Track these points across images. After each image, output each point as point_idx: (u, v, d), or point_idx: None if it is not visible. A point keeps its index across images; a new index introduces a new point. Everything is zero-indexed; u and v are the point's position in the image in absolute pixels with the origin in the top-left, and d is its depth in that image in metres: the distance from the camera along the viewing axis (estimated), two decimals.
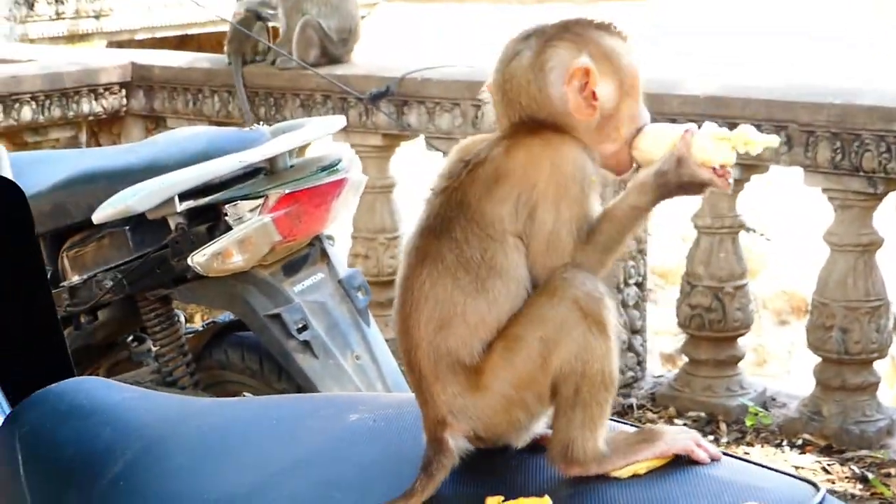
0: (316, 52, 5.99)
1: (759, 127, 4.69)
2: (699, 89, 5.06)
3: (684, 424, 5.11)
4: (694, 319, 5.19)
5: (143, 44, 10.00)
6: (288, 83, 6.09)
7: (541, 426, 1.40)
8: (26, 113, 6.12)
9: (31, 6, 10.00)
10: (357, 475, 1.33)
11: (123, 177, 3.34)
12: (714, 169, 1.43)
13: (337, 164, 3.30)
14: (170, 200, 3.20)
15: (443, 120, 5.68)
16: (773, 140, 1.47)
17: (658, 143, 1.46)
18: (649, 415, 5.27)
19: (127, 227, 3.41)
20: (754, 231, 9.35)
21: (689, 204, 5.31)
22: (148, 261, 3.41)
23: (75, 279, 3.47)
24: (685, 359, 5.40)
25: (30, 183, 3.56)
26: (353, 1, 6.15)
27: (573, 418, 1.33)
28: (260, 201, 3.24)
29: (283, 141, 3.32)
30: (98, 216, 3.28)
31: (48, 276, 3.54)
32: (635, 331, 5.52)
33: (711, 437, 5.03)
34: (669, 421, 5.19)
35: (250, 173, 3.34)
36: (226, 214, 3.30)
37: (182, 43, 9.62)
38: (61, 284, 3.51)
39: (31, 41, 9.50)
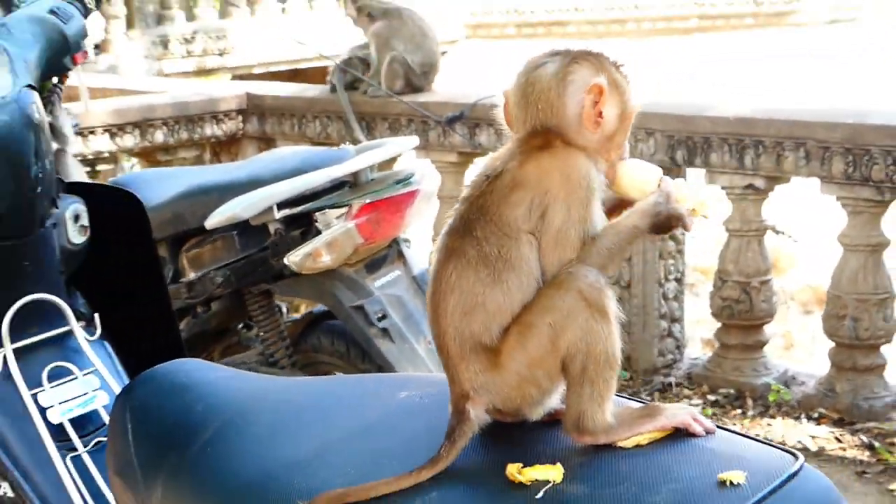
0: (401, 82, 6.02)
1: (780, 144, 4.72)
2: (730, 112, 5.01)
3: (716, 401, 5.10)
4: (725, 310, 5.14)
5: (260, 77, 10.10)
6: (377, 109, 6.12)
7: (555, 401, 1.40)
8: (158, 136, 6.20)
9: (165, 46, 10.14)
10: (402, 445, 1.33)
11: (231, 189, 3.38)
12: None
13: (410, 178, 3.31)
14: (269, 209, 3.24)
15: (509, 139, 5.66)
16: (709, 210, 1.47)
17: (636, 175, 1.47)
18: (686, 391, 5.23)
19: (234, 232, 3.45)
20: (783, 233, 9.25)
21: (723, 211, 5.27)
22: (251, 260, 3.45)
23: (192, 276, 3.51)
24: (718, 343, 5.34)
25: (154, 195, 3.62)
26: (434, 39, 6.16)
27: (582, 393, 1.33)
28: (345, 209, 3.27)
29: (364, 158, 3.34)
30: (210, 222, 3.33)
31: (170, 274, 3.60)
32: (674, 319, 5.47)
33: (739, 411, 5.00)
34: (703, 397, 5.16)
35: (337, 186, 3.36)
36: (316, 221, 3.34)
37: (293, 76, 9.69)
38: (181, 280, 3.55)
39: (166, 75, 9.64)
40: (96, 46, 8.51)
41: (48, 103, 2.62)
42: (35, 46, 2.30)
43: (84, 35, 2.45)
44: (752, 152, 4.89)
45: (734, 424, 4.87)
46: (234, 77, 10.38)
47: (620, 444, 1.30)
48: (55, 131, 3.35)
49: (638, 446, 1.28)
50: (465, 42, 12.13)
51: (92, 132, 6.00)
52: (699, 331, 6.91)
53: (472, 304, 1.34)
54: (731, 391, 5.15)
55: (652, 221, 1.40)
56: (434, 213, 3.72)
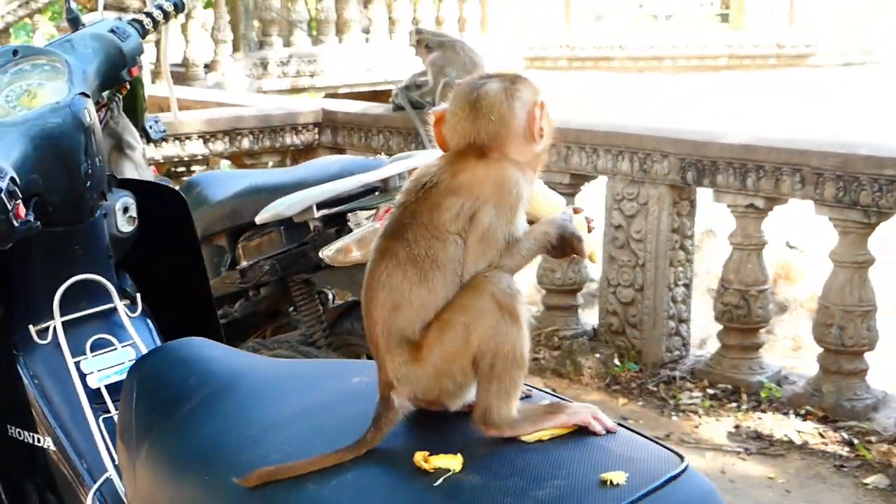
0: None
1: (779, 168, 4.57)
2: (735, 139, 4.87)
3: (714, 394, 4.94)
4: (725, 314, 5.00)
5: (345, 96, 10.10)
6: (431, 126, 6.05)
7: (473, 394, 1.31)
8: (245, 143, 6.20)
9: (265, 67, 10.17)
10: (339, 426, 1.25)
11: (280, 190, 3.34)
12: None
13: None
14: (310, 208, 3.19)
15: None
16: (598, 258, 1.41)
17: (548, 196, 1.40)
18: (688, 384, 5.09)
19: (282, 227, 3.41)
20: (795, 248, 9.04)
21: (728, 226, 5.14)
22: (294, 253, 3.39)
23: (245, 264, 3.48)
24: (719, 343, 5.20)
25: (218, 192, 3.60)
26: (482, 68, 6.08)
27: (490, 389, 1.24)
28: (373, 211, 3.21)
29: (393, 167, 3.27)
30: (259, 218, 3.28)
31: (228, 261, 3.57)
32: (682, 320, 5.33)
33: (734, 405, 4.85)
34: (703, 390, 5.02)
35: (370, 190, 3.30)
36: (348, 221, 3.29)
37: (372, 97, 9.66)
38: (237, 268, 3.51)
39: (264, 93, 9.65)
40: (206, 66, 8.53)
41: (107, 110, 2.59)
42: (94, 60, 2.27)
43: (140, 51, 2.40)
44: (754, 175, 4.74)
45: (729, 417, 4.73)
46: (325, 96, 10.39)
47: (523, 438, 1.20)
48: (116, 135, 3.34)
49: (539, 441, 1.18)
50: (523, 73, 12.00)
51: (188, 138, 6.02)
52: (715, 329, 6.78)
53: (399, 300, 1.27)
54: (729, 387, 5.00)
55: (559, 233, 1.31)
56: None
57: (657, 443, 1.18)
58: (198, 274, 2.60)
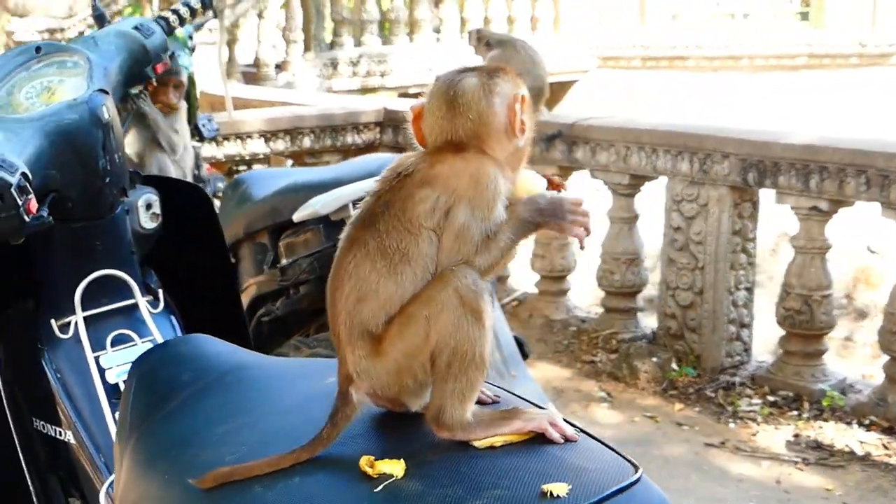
0: None
1: (843, 170, 4.43)
2: (798, 139, 4.73)
3: (774, 401, 4.80)
4: (787, 319, 4.86)
5: (415, 96, 10.07)
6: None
7: None
8: (306, 142, 6.22)
9: (335, 67, 10.22)
10: (301, 426, 1.21)
11: (318, 188, 3.31)
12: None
13: None
14: (346, 206, 3.15)
15: (602, 156, 5.49)
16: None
17: (530, 179, 1.32)
18: (748, 391, 4.95)
19: (320, 225, 3.38)
20: (876, 252, 8.79)
21: (790, 229, 5.00)
22: (332, 251, 3.37)
23: (285, 262, 3.46)
24: (782, 349, 5.05)
25: (260, 190, 3.60)
26: (543, 67, 6.00)
27: (445, 388, 1.18)
28: None
29: None
30: (296, 216, 3.26)
31: (270, 259, 3.57)
32: (743, 325, 5.20)
33: (795, 413, 4.71)
34: (764, 397, 4.88)
35: None
36: None
37: None
38: (277, 265, 3.51)
39: (334, 93, 9.69)
40: (277, 66, 8.57)
41: (132, 106, 2.60)
42: (117, 57, 2.28)
43: (164, 49, 2.40)
44: (818, 177, 4.60)
45: (788, 425, 4.59)
46: (397, 96, 10.39)
47: (475, 443, 1.14)
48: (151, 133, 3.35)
49: (491, 447, 1.12)
50: (596, 72, 11.89)
51: (249, 136, 6.06)
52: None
53: (365, 291, 1.22)
54: (790, 394, 4.86)
55: (537, 208, 1.24)
56: None
57: (616, 452, 1.12)
58: (224, 272, 2.60)
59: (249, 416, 1.30)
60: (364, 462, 1.08)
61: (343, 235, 1.29)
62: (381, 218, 1.24)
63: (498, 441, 1.13)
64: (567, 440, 1.14)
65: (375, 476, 1.07)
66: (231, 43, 9.76)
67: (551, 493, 1.00)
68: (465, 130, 1.29)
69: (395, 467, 1.07)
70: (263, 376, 1.49)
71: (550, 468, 1.06)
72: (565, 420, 1.19)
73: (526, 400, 1.26)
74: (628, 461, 1.10)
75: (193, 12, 2.53)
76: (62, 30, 11.54)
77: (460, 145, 1.27)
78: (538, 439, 1.13)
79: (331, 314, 1.27)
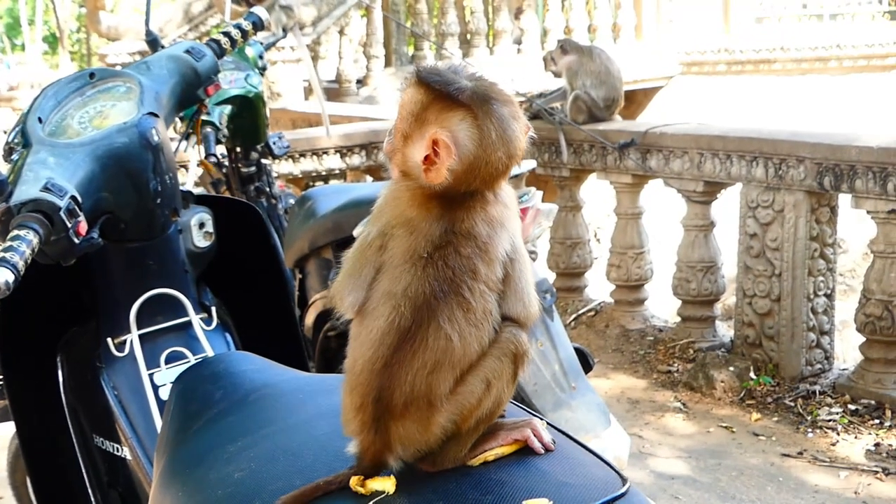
0: (584, 116, 5.88)
1: None
2: (874, 142, 4.60)
3: (855, 410, 4.67)
4: (868, 325, 4.72)
5: None
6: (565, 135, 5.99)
7: None
8: (381, 157, 6.26)
9: None
10: (305, 444, 1.22)
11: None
12: None
13: (523, 196, 3.16)
14: None
15: (675, 164, 5.42)
16: None
17: None
18: (828, 400, 4.83)
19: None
20: None
21: (868, 234, 4.86)
22: None
23: None
24: (863, 356, 4.90)
25: (324, 206, 3.64)
26: (618, 77, 5.96)
27: (461, 443, 1.14)
28: None
29: None
30: (355, 232, 3.29)
31: (334, 275, 3.60)
32: (823, 332, 5.07)
33: (877, 421, 4.57)
34: (844, 406, 4.74)
35: None
36: None
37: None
38: None
39: None
40: (358, 81, 8.66)
41: (188, 130, 2.66)
42: (169, 80, 2.33)
43: (216, 71, 2.45)
44: None
45: (869, 434, 4.46)
46: None
47: (469, 462, 1.13)
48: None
49: (485, 463, 1.12)
50: (679, 78, 11.73)
51: (325, 152, 6.13)
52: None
53: (439, 362, 1.11)
54: (872, 402, 4.72)
55: None
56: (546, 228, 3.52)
57: (609, 465, 1.10)
58: (279, 289, 2.64)
59: (259, 434, 1.32)
60: (354, 482, 1.09)
61: (398, 306, 1.14)
62: (459, 281, 1.13)
63: (490, 456, 1.13)
64: (547, 449, 1.12)
65: (367, 494, 1.07)
66: (313, 60, 9.90)
67: None
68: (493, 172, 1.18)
69: (386, 484, 1.08)
70: (283, 393, 1.51)
71: (534, 483, 1.05)
72: (553, 427, 1.17)
73: (513, 402, 1.24)
74: (618, 474, 1.08)
75: (245, 34, 2.57)
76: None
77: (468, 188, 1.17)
78: (529, 451, 1.12)
79: (377, 383, 1.13)
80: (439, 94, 1.14)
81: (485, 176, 1.16)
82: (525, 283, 1.18)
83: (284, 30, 4.40)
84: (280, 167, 5.83)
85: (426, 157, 1.14)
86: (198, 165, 4.23)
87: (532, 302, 1.18)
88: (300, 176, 6.08)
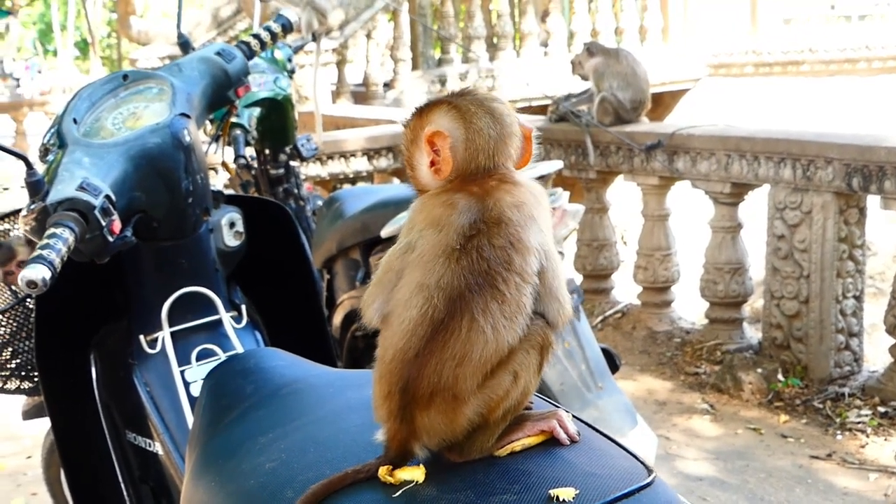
0: (610, 118, 5.88)
1: None
2: None
3: (885, 412, 4.64)
4: None
5: (522, 110, 10.08)
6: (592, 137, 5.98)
7: None
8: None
9: (443, 83, 10.30)
10: (335, 435, 1.24)
11: (404, 204, 3.35)
12: None
13: (549, 197, 3.17)
14: None
15: (702, 165, 5.41)
16: None
17: None
18: (857, 402, 4.80)
19: None
20: None
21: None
22: None
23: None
24: (892, 358, 4.88)
25: (351, 207, 3.67)
26: (645, 79, 5.95)
27: (487, 431, 1.15)
28: None
29: None
30: (384, 232, 3.32)
31: (362, 274, 3.63)
32: (852, 334, 5.05)
33: None
34: (874, 408, 4.72)
35: None
36: None
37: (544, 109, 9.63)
38: (368, 280, 3.56)
39: None
40: (385, 84, 8.71)
41: (218, 132, 2.70)
42: (200, 82, 2.36)
43: (246, 72, 2.48)
44: None
45: None
46: None
47: (496, 452, 1.15)
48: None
49: (512, 453, 1.14)
50: (707, 80, 11.69)
51: (353, 155, 6.17)
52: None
53: (467, 354, 1.12)
54: None
55: None
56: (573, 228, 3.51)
57: (634, 456, 1.12)
58: (308, 287, 2.66)
59: (291, 426, 1.34)
60: (383, 471, 1.11)
61: (432, 297, 1.15)
62: (495, 273, 1.14)
63: (517, 446, 1.15)
64: (572, 441, 1.14)
65: (397, 483, 1.09)
66: (340, 63, 9.95)
67: (558, 498, 1.02)
68: (511, 152, 1.24)
69: (415, 473, 1.10)
70: (314, 387, 1.53)
71: (561, 473, 1.07)
72: (579, 419, 1.19)
73: (539, 396, 1.26)
74: (644, 466, 1.09)
75: (275, 36, 2.60)
76: None
77: (487, 172, 1.21)
78: (555, 442, 1.14)
79: (406, 372, 1.15)
80: (420, 111, 1.26)
81: (485, 148, 1.21)
82: (559, 282, 1.19)
83: (314, 35, 4.42)
84: (308, 169, 5.87)
85: (431, 161, 1.22)
86: (222, 166, 4.27)
87: (566, 300, 1.20)
88: (327, 178, 6.12)
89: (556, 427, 1.16)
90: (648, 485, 1.04)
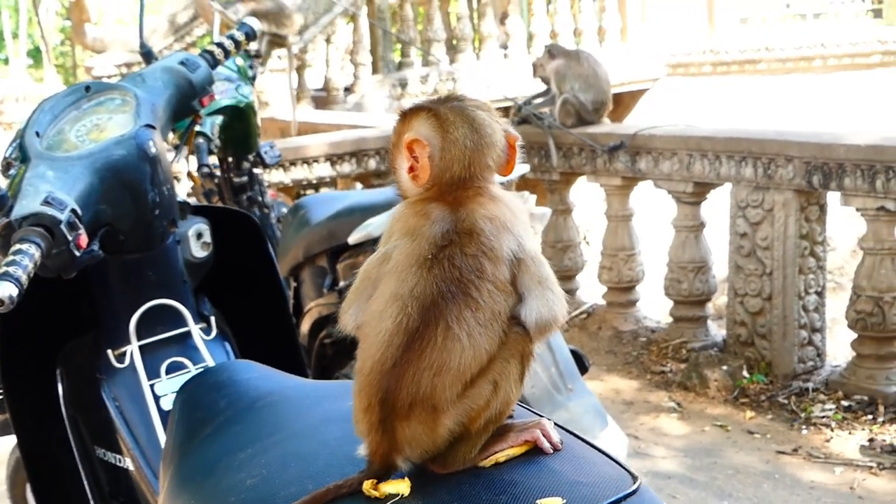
0: (573, 119, 5.91)
1: None
2: (861, 140, 4.64)
3: (849, 406, 4.69)
4: (859, 322, 4.75)
5: None
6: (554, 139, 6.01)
7: None
8: (371, 163, 6.28)
9: (404, 87, 10.29)
10: (315, 449, 1.23)
11: (371, 210, 3.35)
12: None
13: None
14: None
15: (665, 165, 5.45)
16: None
17: None
18: (821, 396, 4.86)
19: (376, 246, 3.41)
20: None
21: (857, 231, 4.90)
22: None
23: (342, 284, 3.51)
24: (854, 353, 4.94)
25: (318, 214, 3.65)
26: (606, 80, 5.99)
27: (470, 442, 1.15)
28: None
29: None
30: (351, 239, 3.31)
31: (330, 281, 3.61)
32: (815, 330, 5.11)
33: (870, 417, 4.60)
34: (838, 402, 4.77)
35: None
36: None
37: (505, 112, 9.64)
38: (336, 288, 3.55)
39: None
40: (346, 89, 8.65)
41: (181, 142, 2.68)
42: (164, 92, 2.34)
43: (210, 81, 2.46)
44: (883, 177, 4.51)
45: (863, 430, 4.49)
46: None
47: (480, 463, 1.15)
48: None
49: (497, 464, 1.13)
50: (665, 80, 11.77)
51: (315, 161, 6.14)
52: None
53: (444, 365, 1.12)
54: (864, 398, 4.75)
55: None
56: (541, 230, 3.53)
57: (618, 464, 1.12)
58: (276, 297, 2.65)
59: (269, 440, 1.33)
60: (367, 486, 1.10)
61: (406, 307, 1.15)
62: (467, 281, 1.14)
63: (502, 457, 1.14)
64: (555, 449, 1.14)
65: (382, 497, 1.09)
66: (300, 69, 9.90)
67: None
68: (490, 163, 1.23)
69: (400, 486, 1.09)
70: (290, 400, 1.52)
71: (547, 482, 1.07)
72: (561, 427, 1.19)
73: (521, 405, 1.25)
74: (629, 473, 1.10)
75: (238, 44, 2.58)
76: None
77: (464, 182, 1.21)
78: (539, 451, 1.14)
79: (384, 384, 1.14)
80: (405, 116, 1.25)
81: (460, 159, 1.21)
82: (552, 277, 1.19)
83: (258, 53, 4.41)
84: (271, 176, 5.83)
85: (410, 167, 1.22)
86: (188, 177, 4.23)
87: (561, 294, 1.19)
88: (290, 184, 6.09)
89: (541, 437, 1.16)
90: (634, 492, 1.04)
